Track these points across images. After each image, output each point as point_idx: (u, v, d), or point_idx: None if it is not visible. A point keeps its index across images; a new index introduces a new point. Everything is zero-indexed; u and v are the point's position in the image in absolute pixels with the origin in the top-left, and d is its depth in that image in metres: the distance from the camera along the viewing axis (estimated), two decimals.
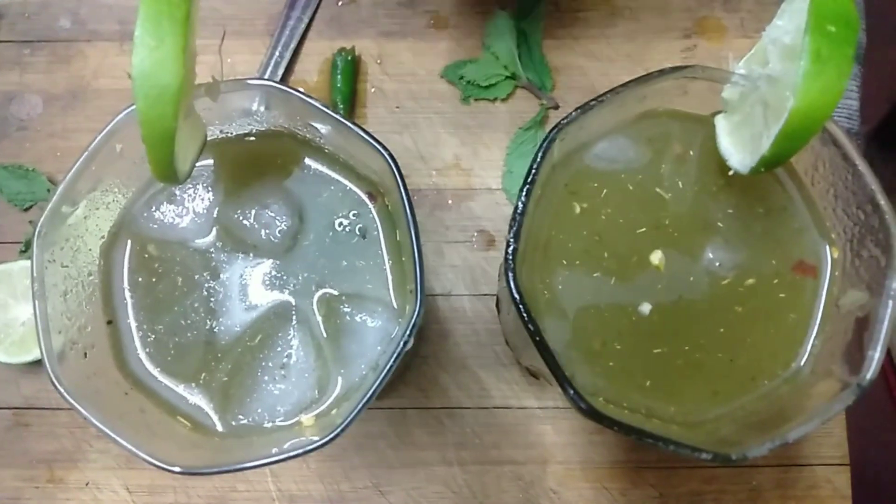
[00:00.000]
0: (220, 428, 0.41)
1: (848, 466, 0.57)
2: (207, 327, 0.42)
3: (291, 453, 0.34)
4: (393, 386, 0.58)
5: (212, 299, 0.42)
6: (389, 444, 0.58)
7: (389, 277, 0.42)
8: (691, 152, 0.41)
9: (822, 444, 0.58)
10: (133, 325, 0.42)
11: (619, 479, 0.58)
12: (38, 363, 0.58)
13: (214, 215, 0.43)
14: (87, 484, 0.57)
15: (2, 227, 0.61)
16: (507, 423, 0.58)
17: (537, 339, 0.34)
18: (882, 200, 0.35)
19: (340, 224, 0.43)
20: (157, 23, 0.33)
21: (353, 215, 0.43)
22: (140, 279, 0.42)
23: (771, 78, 0.35)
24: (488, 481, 0.57)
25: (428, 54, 0.63)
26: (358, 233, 0.42)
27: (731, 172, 0.39)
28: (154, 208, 0.43)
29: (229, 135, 0.44)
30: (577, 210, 0.41)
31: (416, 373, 0.59)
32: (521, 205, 0.36)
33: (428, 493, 0.57)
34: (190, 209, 0.43)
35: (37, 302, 0.37)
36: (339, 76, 0.61)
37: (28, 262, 0.57)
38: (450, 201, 0.61)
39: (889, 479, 0.66)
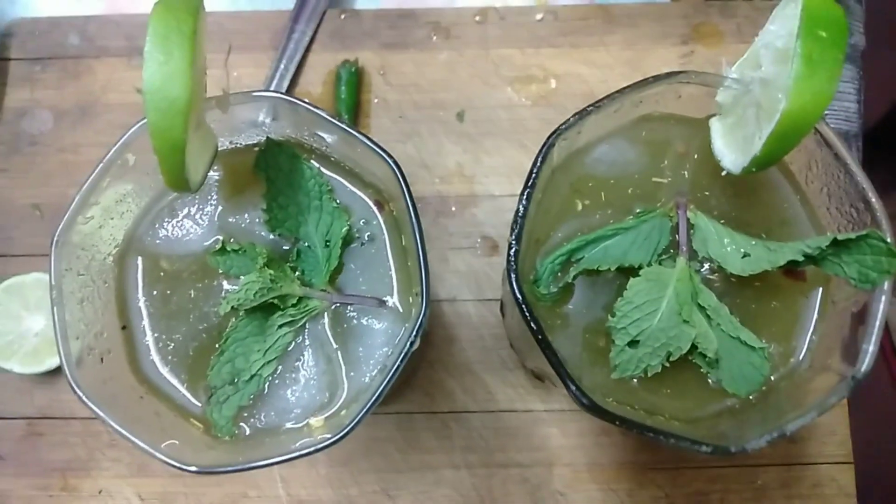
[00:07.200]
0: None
1: (852, 464, 0.58)
2: (218, 332, 0.42)
3: (303, 451, 0.35)
4: (400, 391, 0.59)
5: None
6: (397, 449, 0.59)
7: (395, 282, 0.43)
8: (689, 153, 0.42)
9: (827, 442, 0.58)
10: (147, 330, 0.43)
11: (626, 480, 0.58)
12: (51, 374, 0.59)
13: (216, 220, 0.44)
14: (100, 492, 0.58)
15: (14, 240, 0.62)
16: (513, 426, 0.59)
17: (539, 337, 0.35)
18: (873, 198, 0.35)
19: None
20: (165, 38, 0.34)
21: (361, 222, 0.44)
22: (153, 286, 0.43)
23: (764, 81, 0.36)
24: (495, 484, 0.58)
25: (430, 64, 0.64)
26: (366, 239, 0.43)
27: (723, 173, 0.40)
28: (164, 218, 0.44)
29: (238, 145, 0.45)
30: (580, 207, 0.42)
31: (423, 378, 0.59)
32: (521, 208, 0.37)
33: (436, 497, 0.58)
34: (199, 218, 0.44)
35: (55, 309, 0.38)
36: (343, 87, 0.62)
37: (40, 275, 0.58)
38: (453, 208, 0.62)
39: (893, 477, 0.66)
